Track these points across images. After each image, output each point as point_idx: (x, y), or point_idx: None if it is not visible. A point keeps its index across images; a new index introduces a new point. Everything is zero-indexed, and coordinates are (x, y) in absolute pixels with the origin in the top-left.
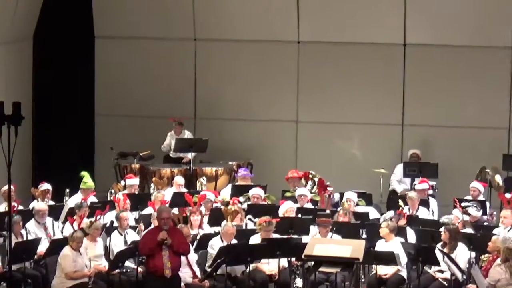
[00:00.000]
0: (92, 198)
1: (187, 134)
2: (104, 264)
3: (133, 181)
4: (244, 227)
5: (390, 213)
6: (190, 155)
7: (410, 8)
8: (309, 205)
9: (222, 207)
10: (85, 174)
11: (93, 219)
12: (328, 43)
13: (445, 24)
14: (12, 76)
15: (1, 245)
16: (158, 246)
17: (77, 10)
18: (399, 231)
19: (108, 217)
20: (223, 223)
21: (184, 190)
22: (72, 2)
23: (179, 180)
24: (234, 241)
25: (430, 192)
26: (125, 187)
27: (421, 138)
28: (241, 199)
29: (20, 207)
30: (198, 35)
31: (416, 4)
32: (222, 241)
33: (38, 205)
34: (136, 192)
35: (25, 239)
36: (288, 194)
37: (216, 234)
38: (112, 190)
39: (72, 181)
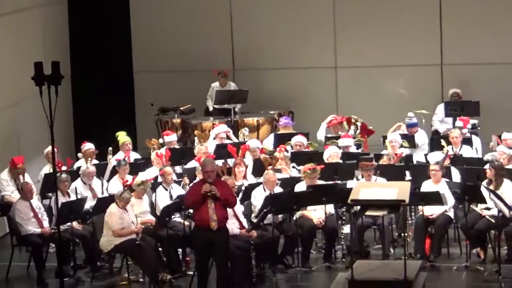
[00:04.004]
0: (135, 155)
1: (233, 86)
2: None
3: (171, 138)
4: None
5: (439, 155)
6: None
7: None
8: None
9: (262, 156)
10: (118, 133)
11: (144, 179)
12: None
13: None
14: (49, 37)
15: (48, 207)
16: (202, 198)
17: None
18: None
19: (149, 174)
20: (265, 172)
21: (228, 141)
22: None
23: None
24: (279, 189)
25: (465, 131)
26: (163, 144)
27: (461, 77)
28: (288, 147)
29: (64, 168)
30: None
31: None
32: (265, 190)
33: (87, 167)
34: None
35: (72, 198)
36: (328, 142)
37: (259, 184)
38: (153, 146)
39: (114, 139)
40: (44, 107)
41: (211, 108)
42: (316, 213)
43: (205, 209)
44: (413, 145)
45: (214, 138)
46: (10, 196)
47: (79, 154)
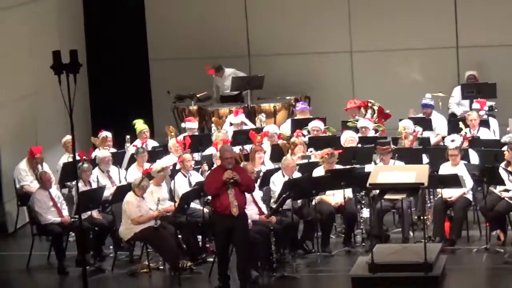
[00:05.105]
0: (153, 143)
1: (231, 72)
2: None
3: (193, 125)
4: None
5: (458, 138)
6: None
7: None
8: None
9: (280, 141)
10: (136, 121)
11: (164, 165)
12: None
13: None
14: (65, 25)
15: (67, 196)
16: (224, 185)
17: None
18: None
19: (166, 162)
20: (284, 157)
21: (245, 127)
22: None
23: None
24: (298, 174)
25: (483, 113)
26: (184, 130)
27: (477, 59)
28: (305, 132)
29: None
30: None
31: None
32: (284, 175)
33: (101, 152)
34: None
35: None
36: (350, 124)
37: (278, 169)
38: (171, 134)
39: (132, 127)
40: (63, 96)
41: (214, 96)
42: (335, 198)
43: (225, 196)
44: (429, 128)
45: (231, 125)
46: (29, 186)
47: (92, 138)
